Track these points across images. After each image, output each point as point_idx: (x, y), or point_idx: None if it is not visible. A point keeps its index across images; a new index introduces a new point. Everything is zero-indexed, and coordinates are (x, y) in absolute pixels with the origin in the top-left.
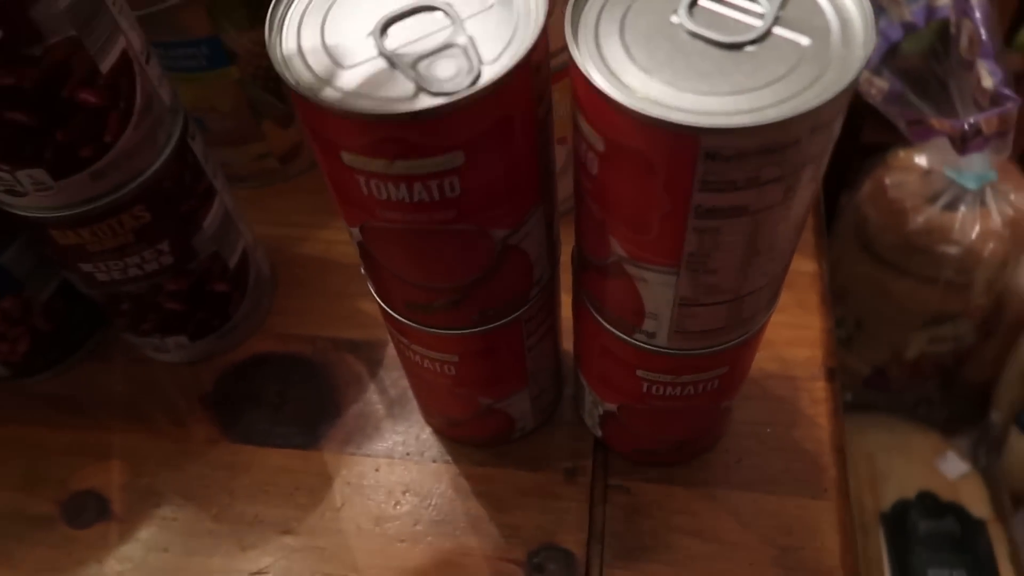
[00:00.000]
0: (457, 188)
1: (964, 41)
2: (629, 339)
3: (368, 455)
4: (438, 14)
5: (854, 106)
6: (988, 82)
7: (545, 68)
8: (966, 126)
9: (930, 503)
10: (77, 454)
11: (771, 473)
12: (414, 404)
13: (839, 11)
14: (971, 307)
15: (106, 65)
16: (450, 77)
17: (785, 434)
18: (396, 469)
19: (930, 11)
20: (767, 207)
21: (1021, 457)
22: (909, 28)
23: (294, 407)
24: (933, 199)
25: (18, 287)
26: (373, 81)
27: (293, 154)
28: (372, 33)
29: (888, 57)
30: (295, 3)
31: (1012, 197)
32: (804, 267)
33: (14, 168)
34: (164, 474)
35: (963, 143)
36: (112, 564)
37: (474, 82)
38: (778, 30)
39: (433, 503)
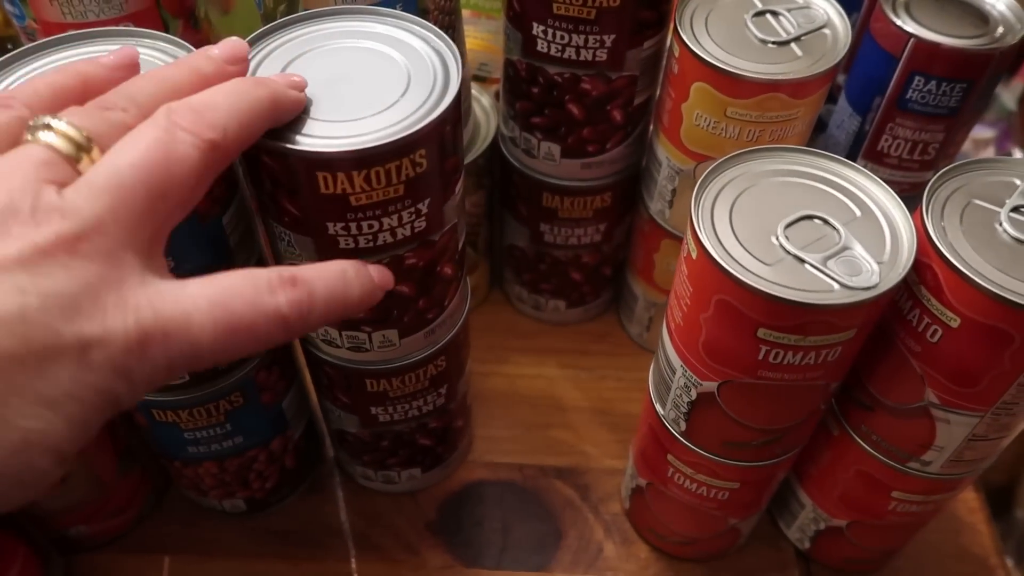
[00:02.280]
0: (837, 354)
1: None
2: (900, 467)
3: (597, 574)
4: (817, 222)
5: None
6: None
7: None
8: None
9: None
10: None
11: None
12: (627, 525)
13: None
14: None
15: (460, 243)
16: (857, 274)
17: (954, 540)
18: None
19: None
20: None
21: None
22: None
23: (518, 531)
24: None
25: (286, 428)
26: (794, 275)
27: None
28: (775, 236)
29: None
30: (705, 197)
31: None
32: None
33: (375, 329)
34: None
35: None
36: None
37: (879, 280)
38: None
39: None
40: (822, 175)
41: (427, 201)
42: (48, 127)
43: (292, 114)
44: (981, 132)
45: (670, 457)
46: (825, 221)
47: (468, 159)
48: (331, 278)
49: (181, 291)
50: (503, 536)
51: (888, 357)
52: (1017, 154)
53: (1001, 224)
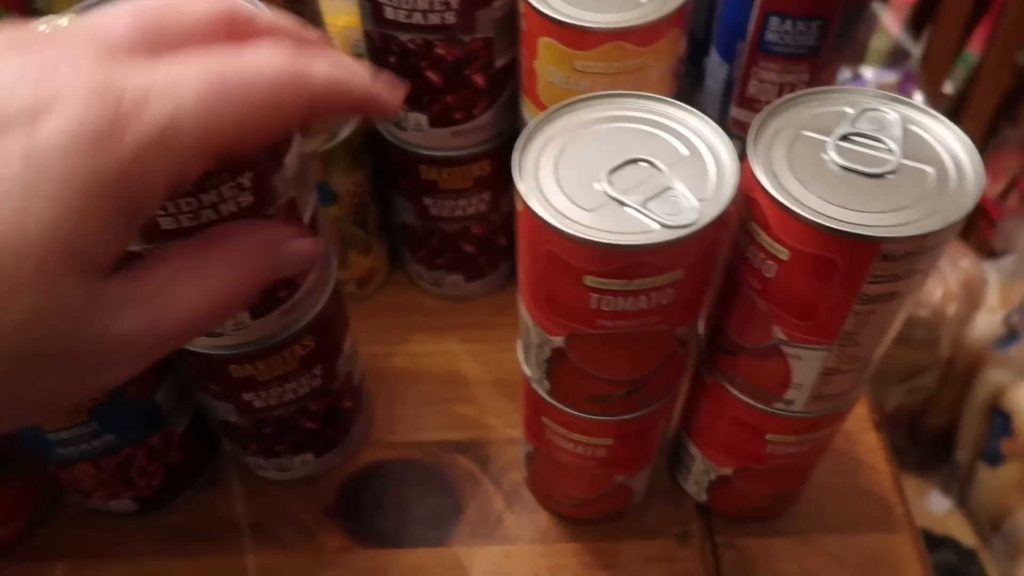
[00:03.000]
0: (672, 296)
1: None
2: (767, 408)
3: (497, 544)
4: (643, 164)
5: None
6: None
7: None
8: None
9: (927, 540)
10: None
11: (851, 516)
12: (529, 494)
13: (945, 147)
14: (938, 360)
15: (307, 218)
16: (677, 213)
17: (853, 481)
18: (526, 554)
19: None
20: (911, 291)
21: (990, 488)
22: None
23: (417, 508)
24: None
25: (164, 423)
26: (614, 219)
27: (368, 278)
28: (599, 182)
29: None
30: (529, 149)
31: (961, 263)
32: None
33: None
34: None
35: None
36: None
37: (698, 216)
38: (906, 162)
39: None
40: (651, 118)
41: (248, 175)
42: None
43: None
44: (885, 76)
45: (544, 419)
46: (651, 163)
47: (342, 137)
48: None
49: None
50: (402, 515)
51: (737, 298)
52: (918, 97)
53: (827, 153)
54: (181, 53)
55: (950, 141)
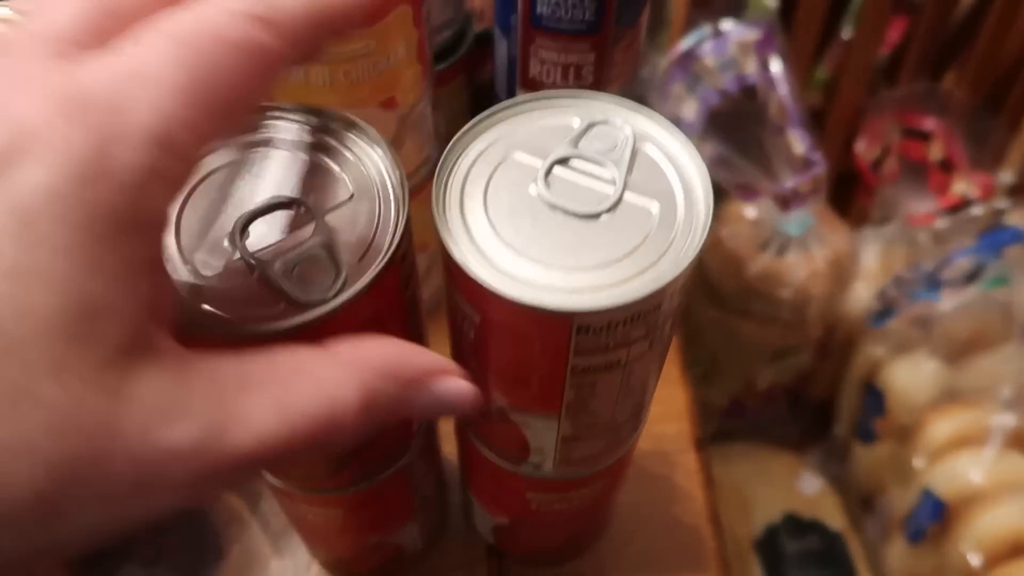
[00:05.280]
0: None
1: (773, 108)
2: (517, 470)
3: None
4: (301, 208)
5: None
6: (799, 149)
7: (411, 255)
8: (787, 188)
9: (794, 524)
10: None
11: (657, 551)
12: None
13: (680, 174)
14: (808, 339)
15: None
16: (318, 283)
17: (665, 511)
18: None
19: (740, 79)
20: (636, 358)
21: (864, 464)
22: (724, 95)
23: (171, 557)
24: (764, 247)
25: None
26: (238, 294)
27: None
28: (227, 234)
29: (709, 122)
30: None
31: (830, 239)
32: None
33: None
34: None
35: (785, 203)
36: None
37: (343, 287)
38: (629, 196)
39: None
40: (330, 143)
41: None
42: None
43: None
44: (747, 33)
45: (270, 478)
46: (307, 207)
47: None
48: None
49: None
50: (151, 565)
51: (458, 356)
52: (775, 63)
53: (536, 184)
54: (140, 27)
55: (685, 165)
